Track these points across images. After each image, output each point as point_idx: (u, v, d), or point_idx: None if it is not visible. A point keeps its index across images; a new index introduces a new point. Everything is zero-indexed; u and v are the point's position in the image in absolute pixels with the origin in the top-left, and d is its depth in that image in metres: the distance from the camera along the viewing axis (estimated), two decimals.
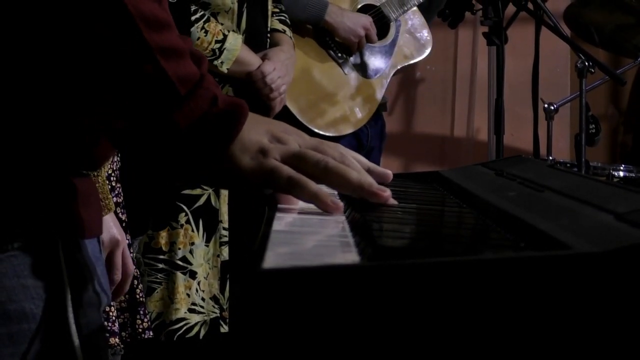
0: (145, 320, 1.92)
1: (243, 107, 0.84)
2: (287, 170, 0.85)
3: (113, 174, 1.80)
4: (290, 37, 2.53)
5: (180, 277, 2.22)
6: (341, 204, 0.86)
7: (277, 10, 2.53)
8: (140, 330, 1.91)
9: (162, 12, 0.81)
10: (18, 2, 0.78)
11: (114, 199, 1.81)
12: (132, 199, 2.08)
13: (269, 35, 2.49)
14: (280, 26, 2.52)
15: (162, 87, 0.79)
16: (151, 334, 1.96)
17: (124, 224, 1.87)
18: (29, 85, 0.81)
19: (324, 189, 0.87)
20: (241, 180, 0.86)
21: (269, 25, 2.48)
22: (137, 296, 1.92)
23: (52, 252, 0.87)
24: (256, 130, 0.86)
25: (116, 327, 1.79)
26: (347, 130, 2.87)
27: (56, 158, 0.85)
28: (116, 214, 1.81)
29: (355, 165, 0.89)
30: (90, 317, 0.91)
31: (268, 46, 2.47)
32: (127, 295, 1.90)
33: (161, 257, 2.22)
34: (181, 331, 2.21)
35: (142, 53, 0.78)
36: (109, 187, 1.77)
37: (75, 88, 0.79)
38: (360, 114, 2.91)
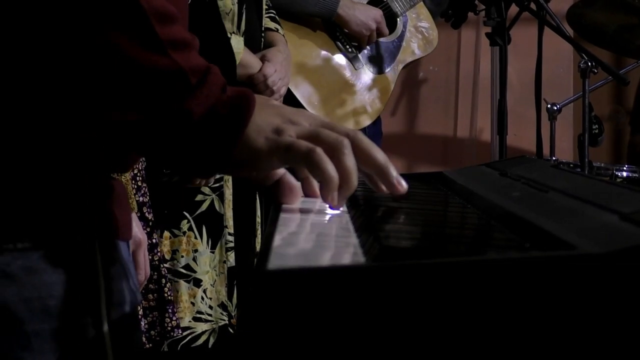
0: (174, 319, 1.92)
1: (250, 92, 0.85)
2: (305, 143, 0.84)
3: (139, 174, 1.81)
4: (283, 35, 2.49)
5: (183, 285, 2.18)
6: (337, 203, 0.85)
7: (265, 7, 2.47)
8: (169, 328, 1.92)
9: (169, 5, 0.82)
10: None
11: (140, 198, 1.82)
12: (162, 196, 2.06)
13: (263, 35, 2.44)
14: (272, 25, 2.47)
15: (175, 78, 0.80)
16: (180, 332, 1.96)
17: (151, 223, 1.88)
18: (42, 85, 0.81)
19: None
20: (253, 165, 0.85)
21: (263, 25, 2.43)
22: (166, 295, 1.92)
23: (89, 249, 0.88)
24: (267, 112, 0.86)
25: (140, 327, 1.80)
26: (360, 126, 2.85)
27: (88, 159, 0.87)
28: (143, 213, 1.82)
29: (366, 143, 0.87)
30: (124, 316, 0.92)
31: (262, 45, 2.42)
32: (155, 294, 1.91)
33: (164, 265, 2.20)
34: (185, 340, 2.17)
35: (154, 45, 0.79)
36: (135, 186, 1.78)
37: (87, 83, 0.80)
38: (370, 109, 2.90)
